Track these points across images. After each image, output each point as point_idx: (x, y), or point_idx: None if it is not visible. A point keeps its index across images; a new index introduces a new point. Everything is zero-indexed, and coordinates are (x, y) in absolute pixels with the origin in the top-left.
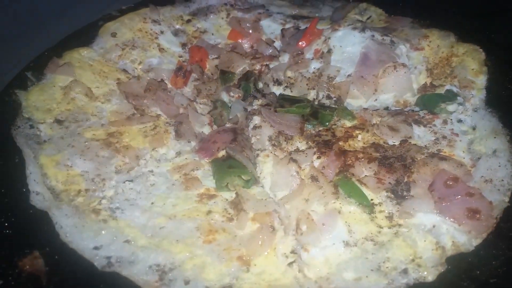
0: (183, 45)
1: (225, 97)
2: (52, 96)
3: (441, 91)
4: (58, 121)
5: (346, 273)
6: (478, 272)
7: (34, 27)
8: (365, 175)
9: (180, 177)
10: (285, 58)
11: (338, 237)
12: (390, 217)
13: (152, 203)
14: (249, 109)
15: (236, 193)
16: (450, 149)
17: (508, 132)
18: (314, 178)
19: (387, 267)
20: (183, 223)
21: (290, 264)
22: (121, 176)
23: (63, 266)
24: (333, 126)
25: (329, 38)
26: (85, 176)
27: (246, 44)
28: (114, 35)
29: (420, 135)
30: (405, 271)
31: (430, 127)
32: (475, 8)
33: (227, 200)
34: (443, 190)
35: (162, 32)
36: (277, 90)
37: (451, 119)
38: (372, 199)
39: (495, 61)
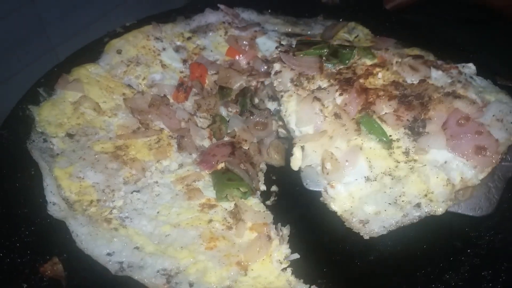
0: (184, 61)
1: (223, 111)
2: (63, 111)
3: None
4: (69, 135)
5: (366, 207)
6: None
7: (43, 44)
8: (385, 113)
9: (182, 187)
10: None
11: (360, 173)
12: (406, 153)
13: (158, 212)
14: (269, 58)
15: (235, 204)
16: (463, 91)
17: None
18: (337, 115)
19: (402, 201)
20: (186, 231)
21: (284, 269)
22: (129, 187)
23: (80, 271)
24: (354, 65)
25: None
26: (96, 187)
27: (243, 61)
28: (119, 52)
29: (438, 77)
30: (418, 205)
31: (447, 73)
32: (451, 28)
33: (226, 210)
34: (455, 128)
35: (164, 49)
36: (272, 106)
37: (465, 73)
38: (390, 135)
39: None
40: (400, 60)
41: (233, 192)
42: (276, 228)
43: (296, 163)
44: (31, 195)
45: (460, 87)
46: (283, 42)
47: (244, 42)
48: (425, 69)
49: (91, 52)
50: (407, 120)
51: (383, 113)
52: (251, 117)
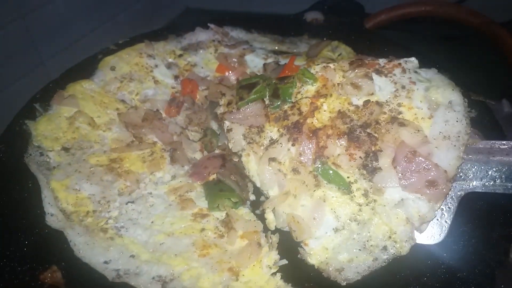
0: (176, 77)
1: (214, 125)
2: (58, 125)
3: None
4: (65, 149)
5: (340, 256)
6: None
7: (39, 62)
8: (338, 154)
9: (175, 198)
10: None
11: (328, 226)
12: (365, 194)
13: (152, 222)
14: (218, 112)
15: (226, 213)
16: (408, 101)
17: (460, 88)
18: (295, 171)
19: (371, 245)
20: (180, 239)
21: (273, 274)
22: (123, 198)
23: (79, 278)
24: (298, 97)
25: None
26: (92, 199)
27: (232, 77)
28: (113, 68)
29: (381, 86)
30: (385, 248)
31: (391, 76)
32: (429, 45)
33: (218, 219)
34: (404, 165)
35: (156, 66)
36: None
37: (409, 69)
38: (348, 177)
39: None
40: (342, 75)
41: (224, 202)
42: (265, 235)
43: (271, 225)
44: (29, 207)
45: (405, 96)
46: (270, 60)
47: (233, 59)
48: (368, 83)
49: (85, 69)
50: (360, 157)
51: (337, 154)
52: None
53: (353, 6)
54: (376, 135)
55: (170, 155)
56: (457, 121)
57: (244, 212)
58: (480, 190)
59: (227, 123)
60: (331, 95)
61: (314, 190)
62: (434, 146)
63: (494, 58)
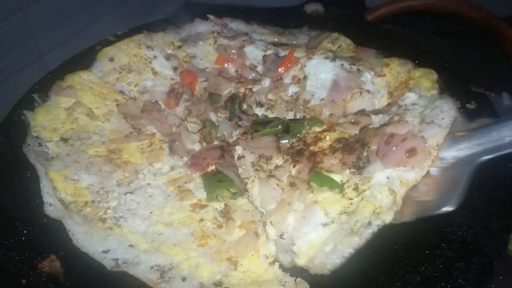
0: (175, 69)
1: (213, 117)
2: (57, 116)
3: None
4: (64, 139)
5: (326, 247)
6: None
7: (32, 52)
8: (332, 164)
9: (174, 189)
10: (266, 82)
11: (317, 223)
12: (356, 188)
13: (151, 212)
14: (230, 141)
15: (225, 204)
16: (399, 117)
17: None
18: (292, 184)
19: (357, 228)
20: (179, 229)
21: (271, 263)
22: (122, 189)
23: (77, 267)
24: (305, 135)
25: (304, 65)
26: (90, 189)
27: (231, 69)
28: (111, 59)
29: (379, 121)
30: (369, 223)
31: (388, 113)
32: (430, 39)
33: (216, 209)
34: (384, 148)
35: (155, 57)
36: (259, 111)
37: (406, 104)
38: (341, 180)
39: (445, 80)
40: (343, 121)
41: (223, 192)
42: (263, 225)
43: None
44: (28, 197)
45: (397, 119)
46: (269, 51)
47: (233, 51)
48: (366, 118)
49: (84, 60)
50: (352, 161)
51: (331, 165)
52: (240, 122)
53: None
54: (368, 143)
55: (169, 146)
56: (441, 112)
57: (242, 202)
58: (491, 155)
59: (239, 149)
60: (334, 131)
61: (305, 199)
62: (416, 129)
63: (494, 51)
